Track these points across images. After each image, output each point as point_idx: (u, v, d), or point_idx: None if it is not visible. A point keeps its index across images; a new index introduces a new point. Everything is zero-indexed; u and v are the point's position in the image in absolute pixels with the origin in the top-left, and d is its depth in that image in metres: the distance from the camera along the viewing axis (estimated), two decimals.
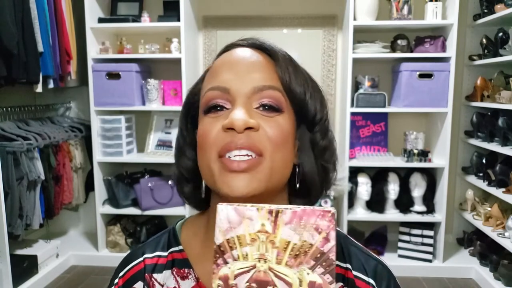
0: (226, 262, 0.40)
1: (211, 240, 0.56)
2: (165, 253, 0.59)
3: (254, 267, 0.39)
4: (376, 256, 0.59)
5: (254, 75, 0.50)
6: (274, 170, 0.50)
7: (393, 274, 0.58)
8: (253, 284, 0.39)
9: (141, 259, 0.60)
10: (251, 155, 0.48)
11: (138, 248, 0.62)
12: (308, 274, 0.37)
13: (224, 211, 0.40)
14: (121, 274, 0.60)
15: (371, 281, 0.55)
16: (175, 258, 0.58)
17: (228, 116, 0.48)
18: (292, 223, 0.38)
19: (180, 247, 0.59)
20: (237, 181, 0.47)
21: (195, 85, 0.59)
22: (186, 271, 0.57)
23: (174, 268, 0.57)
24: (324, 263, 0.37)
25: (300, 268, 0.38)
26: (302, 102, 0.54)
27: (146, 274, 0.58)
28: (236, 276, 0.39)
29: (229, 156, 0.48)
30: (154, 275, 0.58)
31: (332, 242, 0.37)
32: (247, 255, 0.39)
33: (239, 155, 0.48)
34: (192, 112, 0.57)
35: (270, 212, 0.38)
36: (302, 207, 0.38)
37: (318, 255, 0.37)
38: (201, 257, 0.57)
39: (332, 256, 0.37)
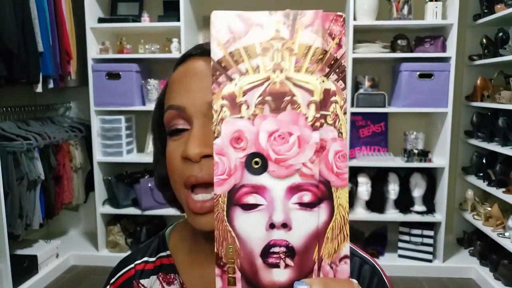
0: (230, 79, 0.33)
1: (198, 247, 0.55)
2: (153, 259, 0.60)
3: (267, 79, 0.33)
4: (364, 254, 0.57)
5: (208, 90, 0.46)
6: None
7: (380, 271, 0.56)
8: (267, 98, 0.33)
9: (132, 265, 0.60)
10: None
11: (131, 255, 0.62)
12: (323, 81, 0.34)
13: (222, 20, 0.33)
14: (112, 281, 0.60)
15: (354, 281, 0.54)
16: (163, 263, 0.58)
17: (188, 140, 0.47)
18: (314, 25, 0.33)
19: (168, 252, 0.59)
20: (203, 221, 0.47)
21: (161, 95, 0.56)
22: (172, 276, 0.57)
23: (160, 274, 0.58)
24: (337, 70, 0.34)
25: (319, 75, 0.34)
26: None
27: (134, 281, 0.58)
28: (245, 92, 0.33)
29: (193, 195, 0.47)
30: (141, 280, 0.58)
31: (344, 48, 0.35)
32: (258, 67, 0.33)
33: (201, 194, 0.47)
34: (161, 122, 0.54)
35: (287, 15, 0.33)
36: (318, 11, 0.34)
37: (332, 62, 0.34)
38: (187, 264, 0.57)
39: (344, 62, 0.34)
